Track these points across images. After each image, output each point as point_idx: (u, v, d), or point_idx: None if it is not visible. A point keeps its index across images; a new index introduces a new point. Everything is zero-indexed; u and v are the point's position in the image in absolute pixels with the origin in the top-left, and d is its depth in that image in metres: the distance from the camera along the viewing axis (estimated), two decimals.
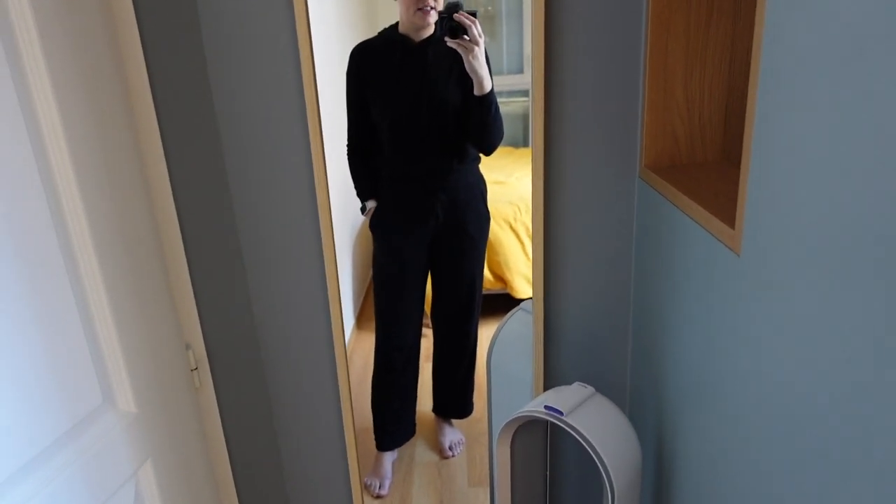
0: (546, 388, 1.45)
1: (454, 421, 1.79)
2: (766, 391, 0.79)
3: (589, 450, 1.05)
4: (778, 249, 0.74)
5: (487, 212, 1.57)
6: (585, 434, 1.05)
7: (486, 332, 1.62)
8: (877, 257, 0.56)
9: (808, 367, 0.69)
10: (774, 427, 0.77)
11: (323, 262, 1.41)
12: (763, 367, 0.79)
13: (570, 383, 1.23)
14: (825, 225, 0.64)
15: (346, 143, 1.49)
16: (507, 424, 1.20)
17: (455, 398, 1.77)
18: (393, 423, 1.74)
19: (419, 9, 1.36)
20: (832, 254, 0.63)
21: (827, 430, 0.65)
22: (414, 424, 1.77)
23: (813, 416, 0.68)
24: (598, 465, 1.04)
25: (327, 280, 1.39)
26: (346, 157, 1.50)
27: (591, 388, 1.17)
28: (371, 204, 1.52)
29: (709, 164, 1.22)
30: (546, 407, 1.10)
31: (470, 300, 1.63)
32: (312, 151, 1.29)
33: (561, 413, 1.08)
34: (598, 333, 1.46)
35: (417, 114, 1.43)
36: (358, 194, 1.53)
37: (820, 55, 0.63)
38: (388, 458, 1.75)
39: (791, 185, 0.70)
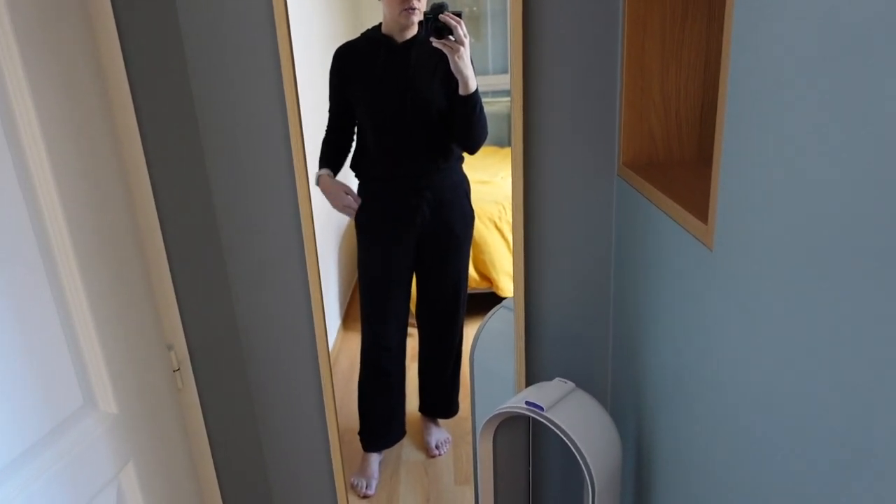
0: (528, 385, 1.46)
1: (440, 420, 1.80)
2: (738, 384, 0.81)
3: (569, 444, 1.06)
4: (749, 244, 0.75)
5: (472, 211, 1.58)
6: (566, 429, 1.06)
7: (472, 332, 1.63)
8: (846, 251, 0.57)
9: (778, 361, 0.70)
10: (748, 419, 0.79)
11: (305, 261, 1.42)
12: (736, 360, 0.81)
13: (551, 379, 1.24)
14: (795, 219, 0.65)
15: (323, 138, 1.50)
16: (489, 420, 1.21)
17: (441, 398, 1.78)
18: (381, 424, 1.74)
19: (405, 9, 1.37)
20: (802, 248, 0.64)
21: (799, 422, 0.67)
22: (403, 426, 1.78)
23: (785, 407, 0.70)
24: (579, 459, 1.05)
25: (309, 280, 1.39)
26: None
27: (571, 384, 1.18)
28: (323, 171, 1.50)
29: (685, 162, 1.24)
30: (527, 403, 1.11)
31: (455, 299, 1.64)
32: (293, 151, 1.29)
33: (542, 408, 1.09)
34: (579, 329, 1.47)
35: (402, 114, 1.44)
36: (320, 161, 1.52)
37: (787, 54, 0.65)
38: (375, 458, 1.75)
39: (761, 181, 0.72)
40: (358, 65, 1.44)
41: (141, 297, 1.06)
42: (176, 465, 1.15)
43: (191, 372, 1.20)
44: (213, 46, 1.27)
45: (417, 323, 1.69)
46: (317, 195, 1.42)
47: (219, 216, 1.39)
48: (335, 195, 1.52)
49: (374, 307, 1.63)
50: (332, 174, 1.50)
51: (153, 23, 1.15)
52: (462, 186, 1.55)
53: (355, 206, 1.51)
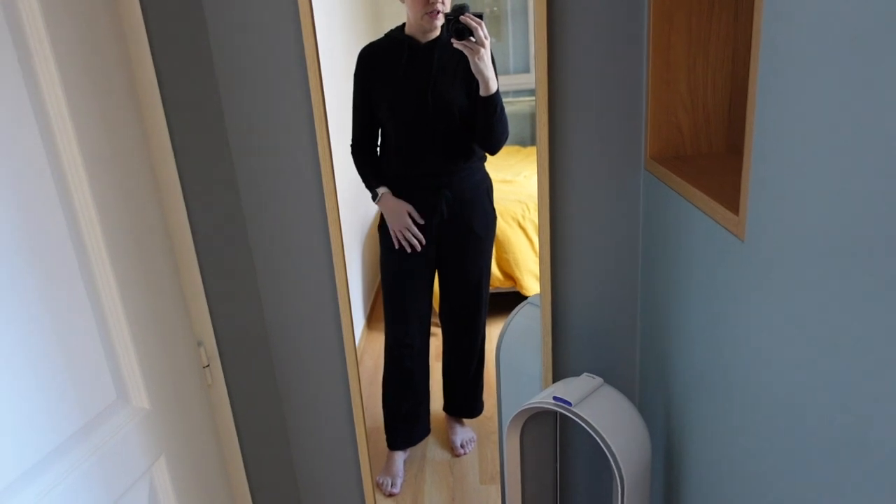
0: (555, 381, 1.46)
1: (465, 419, 1.80)
2: (772, 378, 0.79)
3: (598, 439, 1.05)
4: (782, 234, 0.74)
5: (493, 210, 1.58)
6: (594, 424, 1.06)
7: (496, 331, 1.63)
8: (880, 239, 0.56)
9: (814, 354, 0.69)
10: (782, 415, 0.77)
11: (332, 260, 1.43)
12: (770, 354, 0.80)
13: (579, 375, 1.23)
14: (827, 209, 0.64)
15: (350, 142, 1.51)
16: (517, 416, 1.20)
17: (465, 397, 1.77)
18: (405, 422, 1.74)
19: (428, 13, 1.37)
20: (835, 237, 0.63)
21: (834, 419, 0.66)
22: (428, 424, 1.78)
23: (820, 403, 0.68)
24: (608, 454, 1.04)
25: (336, 279, 1.40)
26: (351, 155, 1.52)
27: (599, 379, 1.17)
28: (382, 189, 1.51)
29: (713, 155, 1.23)
30: (555, 398, 1.11)
31: (477, 299, 1.64)
32: (319, 151, 1.30)
33: (569, 404, 1.09)
34: (606, 325, 1.46)
35: (424, 114, 1.44)
36: (367, 186, 1.53)
37: (817, 45, 0.64)
38: (400, 456, 1.76)
39: (792, 171, 0.71)
40: (381, 65, 1.45)
41: (171, 295, 1.07)
42: (206, 461, 1.16)
43: (220, 369, 1.22)
44: (239, 43, 1.28)
45: (441, 322, 1.69)
46: (342, 195, 1.42)
47: (247, 215, 1.41)
48: (398, 215, 1.51)
49: (395, 307, 1.63)
50: (390, 192, 1.51)
51: (181, 26, 1.17)
52: (483, 186, 1.55)
53: (414, 229, 1.51)
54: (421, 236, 1.51)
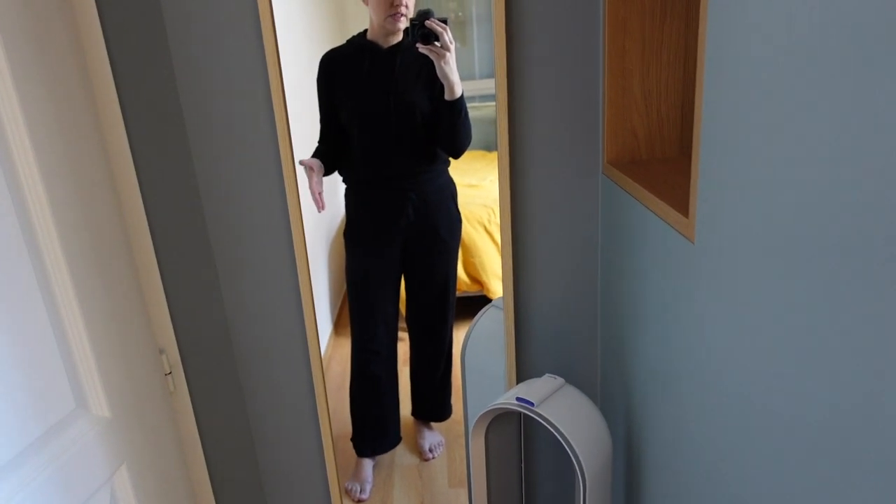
0: (518, 382, 1.48)
1: (433, 423, 1.81)
2: (723, 376, 0.82)
3: (560, 438, 1.07)
4: (729, 235, 0.77)
5: (459, 214, 1.59)
6: (556, 423, 1.08)
7: (464, 334, 1.64)
8: (823, 240, 0.59)
9: (761, 351, 0.72)
10: (734, 411, 0.80)
11: (296, 265, 1.43)
12: (720, 352, 0.83)
13: (541, 376, 1.25)
14: (772, 210, 0.67)
15: (317, 143, 1.51)
16: (481, 417, 1.22)
17: (433, 401, 1.78)
18: (373, 429, 1.74)
19: (391, 14, 1.39)
20: (780, 237, 0.66)
21: (785, 412, 0.69)
22: (398, 432, 1.78)
23: (770, 398, 0.71)
24: (569, 452, 1.07)
25: (300, 283, 1.40)
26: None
27: (560, 380, 1.20)
28: (313, 160, 1.46)
29: (667, 159, 1.27)
30: (518, 398, 1.13)
31: (443, 302, 1.65)
32: (282, 154, 1.31)
33: (532, 404, 1.11)
34: (568, 326, 1.49)
35: (386, 118, 1.46)
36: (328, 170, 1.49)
37: (758, 51, 0.67)
38: (369, 462, 1.75)
39: (738, 174, 0.74)
40: (343, 70, 1.46)
41: (131, 301, 1.06)
42: (169, 469, 1.15)
43: (183, 375, 1.21)
44: (200, 48, 1.28)
45: (408, 326, 1.70)
46: (305, 202, 1.42)
47: (208, 221, 1.40)
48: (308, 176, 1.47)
49: (361, 311, 1.63)
50: (321, 165, 1.47)
51: (139, 27, 1.16)
52: (448, 189, 1.56)
53: (317, 190, 1.46)
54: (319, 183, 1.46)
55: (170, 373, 1.17)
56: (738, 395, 0.78)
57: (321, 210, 1.49)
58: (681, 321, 0.95)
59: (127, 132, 1.07)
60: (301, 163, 1.44)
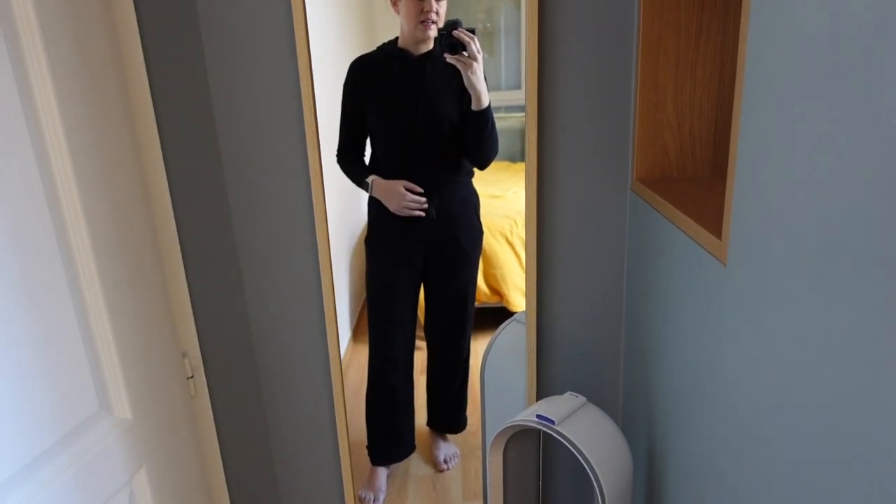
0: (538, 399, 1.46)
1: (449, 434, 1.80)
2: (750, 400, 0.80)
3: (580, 458, 1.05)
4: (763, 259, 0.76)
5: (480, 225, 1.58)
6: (577, 443, 1.06)
7: (483, 346, 1.63)
8: (861, 266, 0.57)
9: (791, 377, 0.70)
10: (761, 435, 0.78)
11: (319, 273, 1.43)
12: (748, 376, 0.81)
13: (562, 394, 1.24)
14: (809, 235, 0.65)
15: (336, 153, 1.51)
16: (500, 433, 1.21)
17: (449, 412, 1.77)
18: (388, 437, 1.73)
19: (422, 21, 1.39)
20: (816, 263, 0.64)
21: (817, 439, 0.67)
22: (413, 441, 1.77)
23: (798, 423, 0.69)
24: (590, 474, 1.05)
25: (323, 291, 1.40)
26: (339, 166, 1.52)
27: (582, 398, 1.18)
28: (372, 177, 1.50)
29: (698, 178, 1.25)
30: (538, 416, 1.11)
31: (462, 313, 1.64)
32: (310, 162, 1.31)
33: (553, 422, 1.09)
34: (591, 344, 1.47)
35: (414, 127, 1.45)
36: (358, 182, 1.52)
37: (801, 70, 0.66)
38: (383, 471, 1.75)
39: (775, 196, 0.72)
40: (373, 77, 1.46)
41: (157, 304, 1.07)
42: (187, 473, 1.15)
43: (204, 380, 1.21)
44: (233, 54, 1.29)
45: (426, 336, 1.69)
46: (330, 207, 1.43)
47: (235, 225, 1.41)
48: (394, 194, 1.49)
49: (380, 319, 1.63)
50: (380, 177, 1.50)
51: (175, 31, 1.17)
52: (471, 201, 1.56)
53: (413, 196, 1.48)
54: (422, 200, 1.49)
55: (191, 376, 1.17)
56: (766, 422, 0.76)
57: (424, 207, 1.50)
58: (709, 345, 0.93)
59: (160, 138, 1.08)
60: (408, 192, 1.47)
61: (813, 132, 0.64)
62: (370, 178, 1.50)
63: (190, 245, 1.19)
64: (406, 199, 1.48)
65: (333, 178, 1.51)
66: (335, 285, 1.42)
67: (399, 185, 1.49)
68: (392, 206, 1.50)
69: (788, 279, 0.70)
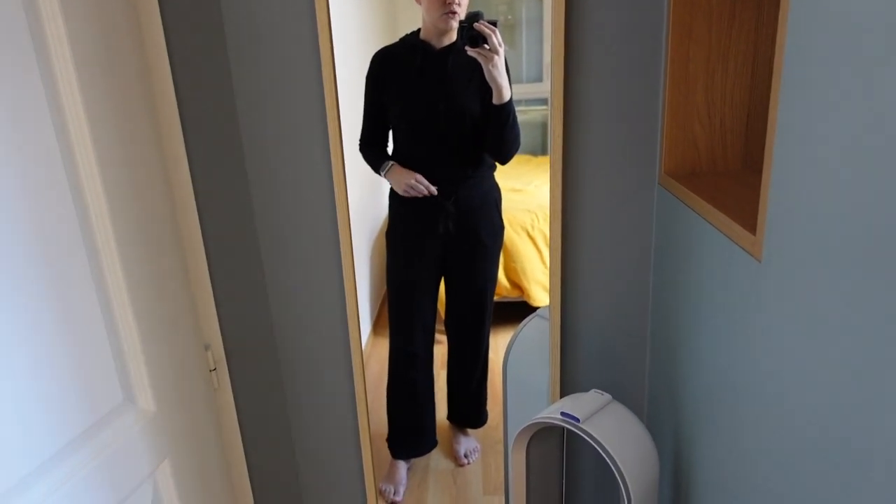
0: (562, 396, 1.44)
1: (469, 429, 1.79)
2: (786, 399, 0.78)
3: (605, 457, 1.04)
4: (800, 255, 0.73)
5: (501, 220, 1.57)
6: (602, 441, 1.04)
7: (503, 341, 1.61)
8: None
9: (830, 375, 0.68)
10: (791, 437, 0.76)
11: (341, 266, 1.42)
12: (784, 374, 0.78)
13: (586, 391, 1.22)
14: (848, 231, 0.63)
15: (358, 142, 1.50)
16: (523, 431, 1.19)
17: (469, 407, 1.76)
18: (409, 431, 1.73)
19: (445, 13, 1.37)
20: (855, 259, 0.62)
21: (852, 440, 0.64)
22: (434, 437, 1.76)
23: (836, 424, 0.67)
24: (615, 472, 1.03)
25: (345, 284, 1.40)
26: (361, 156, 1.51)
27: (608, 396, 1.16)
28: (390, 163, 1.49)
29: (729, 171, 1.21)
30: (562, 413, 1.09)
31: (481, 307, 1.63)
32: (332, 156, 1.30)
33: (577, 420, 1.07)
34: (616, 341, 1.45)
35: (435, 120, 1.44)
36: (376, 168, 1.51)
37: (842, 61, 0.63)
38: (403, 465, 1.75)
39: (813, 191, 0.69)
40: (395, 69, 1.45)
41: (180, 298, 1.07)
42: (210, 465, 1.16)
43: (227, 372, 1.21)
44: (255, 45, 1.28)
45: (446, 330, 1.68)
46: (352, 200, 1.42)
47: (257, 219, 1.41)
48: (405, 178, 1.50)
49: (400, 313, 1.62)
50: (398, 164, 1.50)
51: (199, 28, 1.17)
52: (492, 195, 1.54)
53: (420, 177, 1.48)
54: (429, 185, 1.49)
55: (214, 369, 1.17)
56: (805, 422, 0.73)
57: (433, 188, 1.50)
58: (742, 342, 0.91)
59: (182, 130, 1.07)
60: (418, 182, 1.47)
61: (855, 122, 0.61)
62: (389, 163, 1.49)
63: (213, 238, 1.19)
64: (413, 177, 1.47)
65: (355, 171, 1.50)
66: (356, 278, 1.41)
67: (411, 176, 1.48)
68: (399, 187, 1.50)
69: (828, 275, 0.67)
